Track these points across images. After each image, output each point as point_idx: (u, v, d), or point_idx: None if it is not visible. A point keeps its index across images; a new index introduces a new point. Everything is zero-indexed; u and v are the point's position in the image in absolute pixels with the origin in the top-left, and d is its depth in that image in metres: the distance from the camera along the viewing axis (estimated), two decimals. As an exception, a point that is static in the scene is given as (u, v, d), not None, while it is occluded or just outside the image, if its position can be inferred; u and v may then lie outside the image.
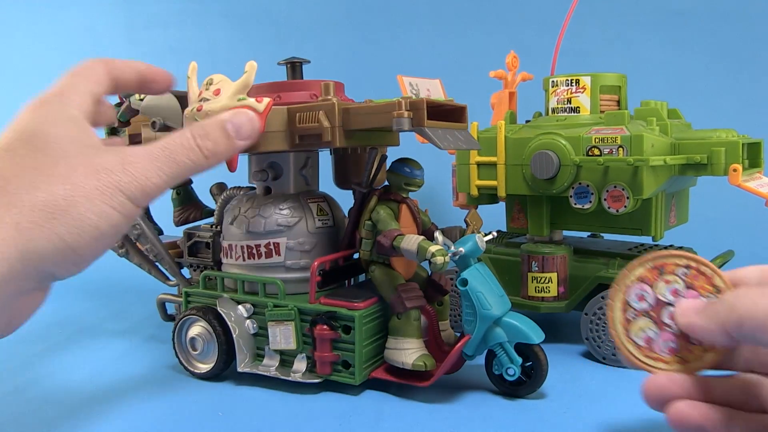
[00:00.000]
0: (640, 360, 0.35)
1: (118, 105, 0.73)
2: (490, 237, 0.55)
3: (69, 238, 0.32)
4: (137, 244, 0.67)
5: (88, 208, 0.33)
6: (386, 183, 0.57)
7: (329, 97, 0.52)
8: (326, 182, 0.65)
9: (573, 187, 0.62)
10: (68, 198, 0.32)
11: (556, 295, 0.66)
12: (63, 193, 0.32)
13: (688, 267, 0.34)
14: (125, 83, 0.43)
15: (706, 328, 0.32)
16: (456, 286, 0.59)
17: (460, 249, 0.51)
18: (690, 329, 0.33)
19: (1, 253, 0.31)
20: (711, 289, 0.34)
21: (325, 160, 0.66)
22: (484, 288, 0.51)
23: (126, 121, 0.71)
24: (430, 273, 0.57)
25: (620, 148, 0.59)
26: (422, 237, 0.50)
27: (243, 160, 0.55)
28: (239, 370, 0.57)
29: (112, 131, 0.75)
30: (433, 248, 0.49)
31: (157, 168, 0.35)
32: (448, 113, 0.53)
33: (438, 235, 0.51)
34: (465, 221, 0.76)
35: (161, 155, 0.36)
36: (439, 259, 0.48)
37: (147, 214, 0.76)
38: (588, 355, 0.63)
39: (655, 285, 0.35)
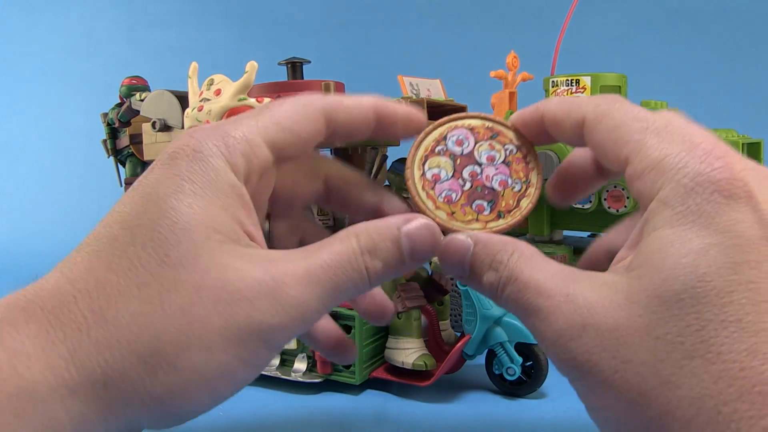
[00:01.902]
0: (416, 189, 0.32)
1: (119, 105, 0.73)
2: (490, 237, 0.55)
3: (169, 401, 0.23)
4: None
5: (203, 361, 0.22)
6: (386, 183, 0.58)
7: (329, 97, 0.52)
8: (326, 182, 0.65)
9: (573, 187, 0.62)
10: (179, 345, 0.22)
11: (556, 294, 0.66)
12: (174, 336, 0.22)
13: (519, 149, 0.32)
14: (349, 133, 0.30)
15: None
16: (456, 286, 0.59)
17: (461, 249, 0.51)
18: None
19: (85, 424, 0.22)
20: (522, 177, 0.32)
21: (326, 160, 0.66)
22: (485, 288, 0.51)
23: (126, 121, 0.71)
24: (430, 273, 0.57)
25: (620, 148, 0.59)
26: (422, 237, 0.50)
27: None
28: (240, 369, 0.57)
29: (112, 131, 0.75)
30: (433, 248, 0.49)
31: (316, 296, 0.24)
32: (448, 113, 0.53)
33: (438, 234, 0.51)
34: (465, 221, 0.76)
35: (324, 277, 0.24)
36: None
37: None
38: (588, 355, 0.63)
39: (480, 143, 0.33)
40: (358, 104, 0.29)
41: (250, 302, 0.22)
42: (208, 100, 0.51)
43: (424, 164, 0.32)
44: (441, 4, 1.22)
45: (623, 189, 0.59)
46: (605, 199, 0.60)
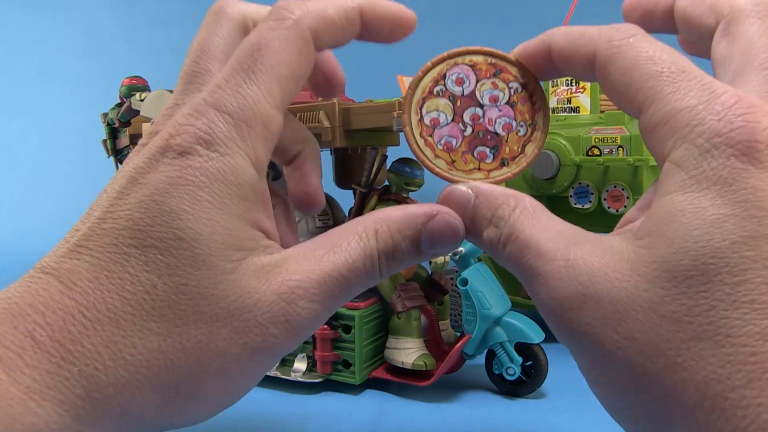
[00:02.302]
0: (413, 136, 0.29)
1: (119, 105, 0.73)
2: (490, 237, 0.55)
3: (184, 422, 0.23)
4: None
5: (220, 387, 0.22)
6: (386, 183, 0.58)
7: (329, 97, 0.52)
8: (326, 182, 0.65)
9: (573, 187, 0.62)
10: (198, 377, 0.21)
11: (556, 294, 0.66)
12: (192, 369, 0.21)
13: (524, 87, 0.29)
14: (335, 43, 0.26)
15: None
16: (456, 286, 0.59)
17: (461, 248, 0.51)
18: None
19: None
20: (528, 120, 0.29)
21: (326, 160, 0.66)
22: (485, 288, 0.51)
23: (126, 121, 0.71)
24: (430, 272, 0.57)
25: (620, 148, 0.59)
26: (422, 237, 0.50)
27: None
28: (240, 369, 0.57)
29: (113, 131, 0.75)
30: (433, 248, 0.49)
31: (326, 306, 0.23)
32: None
33: (438, 234, 0.51)
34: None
35: (337, 287, 0.23)
36: (439, 259, 0.48)
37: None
38: (588, 355, 0.63)
39: (482, 81, 0.30)
40: (344, 12, 0.25)
41: (265, 328, 0.22)
42: (208, 100, 0.51)
43: (421, 107, 0.29)
44: (441, 4, 1.22)
45: (623, 189, 0.59)
46: (605, 199, 0.60)
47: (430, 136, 0.29)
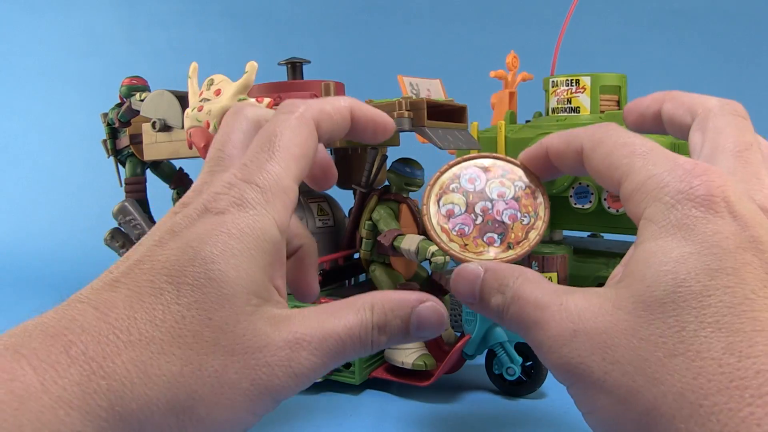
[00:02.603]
0: (431, 224, 0.34)
1: (119, 105, 0.73)
2: (490, 237, 0.55)
3: None
4: (138, 244, 0.67)
5: (227, 417, 0.24)
6: (386, 183, 0.58)
7: (329, 98, 0.52)
8: (326, 182, 0.65)
9: (573, 187, 0.62)
10: (210, 404, 0.24)
11: (556, 294, 0.66)
12: (206, 396, 0.24)
13: (527, 185, 0.35)
14: (329, 140, 0.31)
15: None
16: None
17: (461, 249, 0.51)
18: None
19: None
20: (531, 211, 0.34)
21: (326, 160, 0.66)
22: (485, 288, 0.51)
23: (126, 121, 0.71)
24: (430, 273, 0.57)
25: (620, 148, 0.59)
26: (423, 237, 0.51)
27: (243, 160, 0.55)
28: (240, 369, 0.57)
29: (112, 131, 0.75)
30: (433, 248, 0.49)
31: (324, 363, 0.26)
32: (448, 113, 0.53)
33: (438, 235, 0.51)
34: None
35: (333, 348, 0.26)
36: (439, 259, 0.48)
37: (148, 215, 0.76)
38: (588, 355, 0.63)
39: (491, 180, 0.35)
40: (338, 110, 0.30)
41: (271, 369, 0.24)
42: (208, 100, 0.51)
43: (439, 200, 0.34)
44: (441, 4, 1.22)
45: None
46: (605, 199, 0.60)
47: (446, 223, 0.34)
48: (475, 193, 0.35)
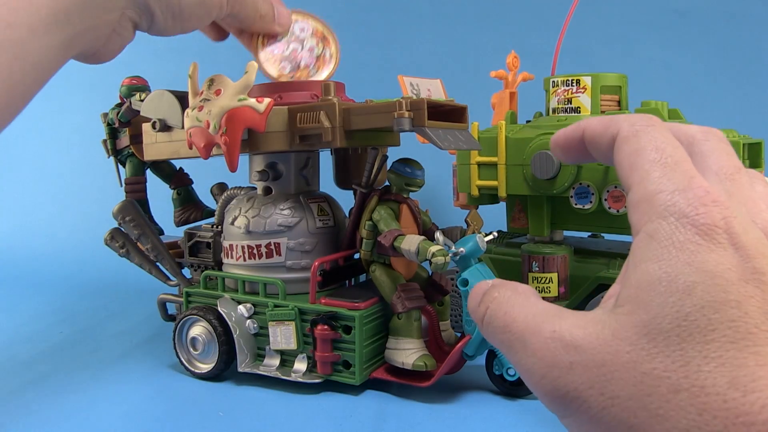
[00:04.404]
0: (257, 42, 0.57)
1: (119, 106, 0.73)
2: (491, 237, 0.55)
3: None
4: (138, 244, 0.67)
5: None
6: (387, 183, 0.57)
7: (330, 98, 0.52)
8: (327, 182, 0.65)
9: (573, 188, 0.62)
10: None
11: (556, 295, 0.66)
12: None
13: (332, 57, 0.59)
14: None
15: None
16: (456, 287, 0.59)
17: (461, 249, 0.51)
18: None
19: None
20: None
21: (326, 160, 0.66)
22: (485, 288, 0.50)
23: (127, 121, 0.71)
24: (430, 273, 0.57)
25: (621, 149, 0.59)
26: (423, 237, 0.50)
27: (243, 161, 0.55)
28: (240, 370, 0.57)
29: (113, 132, 0.75)
30: (433, 248, 0.49)
31: None
32: (448, 113, 0.53)
33: (439, 235, 0.51)
34: (466, 221, 0.76)
35: None
36: (440, 260, 0.48)
37: (148, 215, 0.76)
38: (588, 356, 0.63)
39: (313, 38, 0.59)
40: None
41: None
42: (209, 100, 0.51)
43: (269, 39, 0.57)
44: (442, 4, 1.22)
45: (624, 189, 0.59)
46: (605, 200, 0.60)
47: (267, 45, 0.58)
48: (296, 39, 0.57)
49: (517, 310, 0.25)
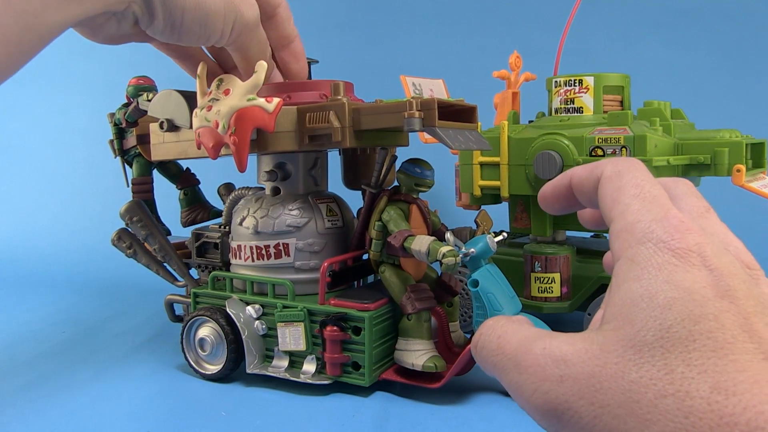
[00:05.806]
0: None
1: (126, 105, 0.73)
2: (500, 238, 0.55)
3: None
4: (145, 244, 0.67)
5: None
6: (396, 183, 0.58)
7: (339, 97, 0.52)
8: (335, 183, 0.65)
9: (579, 188, 0.62)
10: None
11: (559, 295, 0.66)
12: None
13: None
14: None
15: None
16: (467, 287, 0.59)
17: (471, 250, 0.51)
18: None
19: None
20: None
21: (335, 160, 0.66)
22: (495, 289, 0.51)
23: (134, 121, 0.70)
24: (439, 274, 0.57)
25: (623, 149, 0.59)
26: (433, 238, 0.51)
27: (252, 161, 0.55)
28: (248, 371, 0.57)
29: (119, 132, 0.74)
30: (444, 249, 0.49)
31: None
32: (457, 113, 0.53)
33: (449, 235, 0.51)
34: (475, 222, 0.76)
35: None
36: (451, 260, 0.48)
37: (155, 215, 0.75)
38: (594, 355, 0.63)
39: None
40: None
41: None
42: (217, 99, 0.51)
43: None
44: (444, 5, 1.22)
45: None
46: (611, 200, 0.60)
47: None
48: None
49: (510, 334, 0.26)
